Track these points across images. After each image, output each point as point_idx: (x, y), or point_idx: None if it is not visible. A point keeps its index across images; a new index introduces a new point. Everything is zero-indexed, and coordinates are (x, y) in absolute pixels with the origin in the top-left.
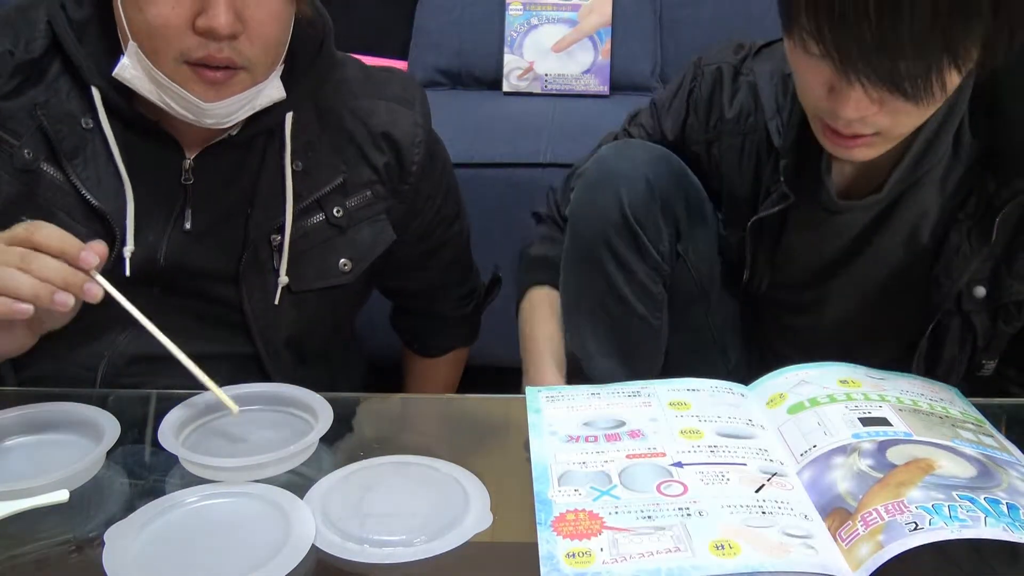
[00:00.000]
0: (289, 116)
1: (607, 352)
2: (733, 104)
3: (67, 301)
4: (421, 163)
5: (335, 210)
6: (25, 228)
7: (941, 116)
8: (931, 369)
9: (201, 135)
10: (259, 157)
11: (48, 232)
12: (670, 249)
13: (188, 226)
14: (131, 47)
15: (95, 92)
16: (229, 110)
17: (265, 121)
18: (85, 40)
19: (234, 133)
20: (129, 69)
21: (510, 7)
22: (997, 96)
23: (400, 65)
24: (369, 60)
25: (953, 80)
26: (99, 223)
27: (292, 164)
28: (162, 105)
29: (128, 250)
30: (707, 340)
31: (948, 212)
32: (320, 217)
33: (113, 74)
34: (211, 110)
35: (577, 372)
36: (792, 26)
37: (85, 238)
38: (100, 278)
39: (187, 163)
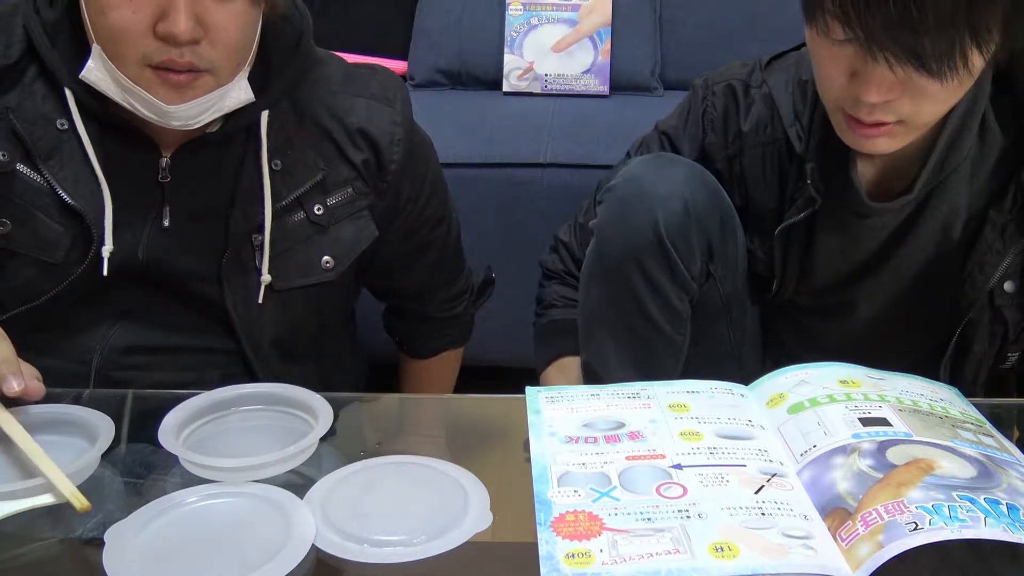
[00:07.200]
0: (265, 115)
1: (626, 366)
2: (749, 118)
3: None
4: (400, 161)
5: (316, 208)
6: None
7: (964, 109)
8: (959, 365)
9: (177, 134)
10: (238, 156)
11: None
12: (701, 269)
13: (166, 223)
14: (95, 50)
15: (68, 94)
16: (194, 112)
17: (241, 120)
18: (58, 42)
19: (210, 132)
20: (95, 72)
21: (510, 7)
22: (1022, 85)
23: (400, 65)
24: (369, 60)
25: (975, 61)
26: (77, 223)
27: (270, 163)
28: (127, 107)
29: (107, 249)
30: (725, 352)
31: (979, 208)
32: (301, 215)
33: (80, 76)
34: (175, 112)
35: (593, 382)
36: (815, 12)
37: (63, 238)
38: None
39: (163, 161)
